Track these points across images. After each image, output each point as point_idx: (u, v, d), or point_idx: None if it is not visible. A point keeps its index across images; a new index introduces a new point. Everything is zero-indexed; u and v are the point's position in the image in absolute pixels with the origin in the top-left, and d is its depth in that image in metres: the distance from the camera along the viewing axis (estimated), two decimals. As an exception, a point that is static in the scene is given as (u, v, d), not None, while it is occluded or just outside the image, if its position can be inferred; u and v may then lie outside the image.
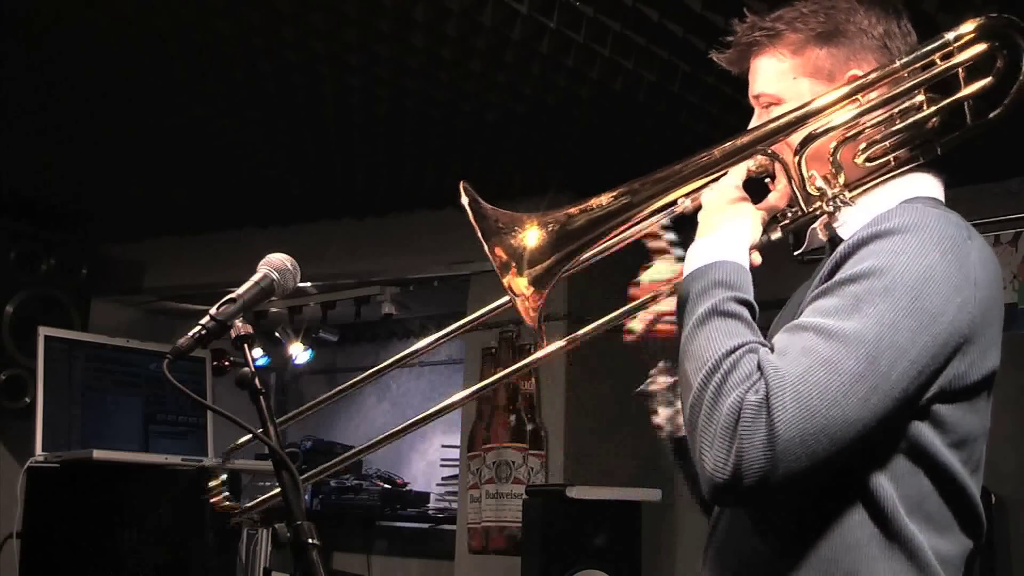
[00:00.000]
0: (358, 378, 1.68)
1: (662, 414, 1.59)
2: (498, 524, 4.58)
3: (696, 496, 1.56)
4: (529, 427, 4.61)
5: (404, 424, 1.54)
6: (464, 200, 1.33)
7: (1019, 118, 1.41)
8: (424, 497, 6.21)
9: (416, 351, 1.67)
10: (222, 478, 1.65)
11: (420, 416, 1.52)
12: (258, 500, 1.58)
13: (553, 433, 4.60)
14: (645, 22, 3.05)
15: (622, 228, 1.40)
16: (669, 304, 1.47)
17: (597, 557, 3.75)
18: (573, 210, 1.36)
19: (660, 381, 1.57)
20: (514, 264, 1.33)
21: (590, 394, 4.67)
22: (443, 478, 6.20)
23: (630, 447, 4.73)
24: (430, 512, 6.05)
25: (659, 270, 1.50)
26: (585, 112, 3.70)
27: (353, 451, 1.67)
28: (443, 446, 6.07)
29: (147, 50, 3.34)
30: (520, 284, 1.32)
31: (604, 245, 1.44)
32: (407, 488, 6.21)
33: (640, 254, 1.59)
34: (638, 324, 1.51)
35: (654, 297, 1.47)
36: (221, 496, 1.62)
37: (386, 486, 6.06)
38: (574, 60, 3.24)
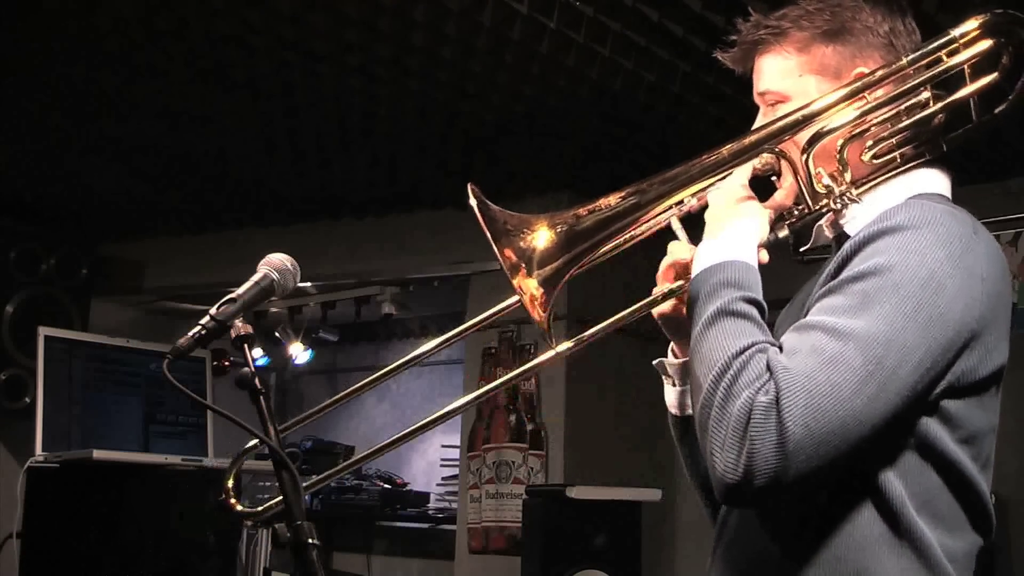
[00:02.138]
0: (368, 379, 1.67)
1: (670, 392, 1.58)
2: (498, 524, 4.58)
3: (696, 480, 1.58)
4: (529, 427, 4.61)
5: (409, 429, 1.54)
6: (472, 202, 1.33)
7: (1018, 117, 1.41)
8: (424, 497, 6.21)
9: (423, 353, 1.66)
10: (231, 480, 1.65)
11: (425, 421, 1.52)
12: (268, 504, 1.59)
13: (553, 433, 4.60)
14: (645, 22, 3.05)
15: (630, 228, 1.40)
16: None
17: (597, 557, 3.74)
18: (581, 211, 1.37)
19: (674, 358, 1.57)
20: (523, 265, 1.33)
21: (590, 394, 4.67)
22: (443, 478, 6.20)
23: (630, 447, 4.74)
24: (430, 512, 6.05)
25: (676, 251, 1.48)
26: (585, 112, 3.70)
27: (357, 457, 1.68)
28: (443, 446, 6.07)
29: (147, 50, 3.34)
30: (530, 285, 1.33)
31: (612, 245, 1.44)
32: (407, 488, 6.21)
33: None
34: (666, 303, 1.50)
35: (665, 295, 1.47)
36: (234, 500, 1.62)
37: (386, 486, 6.06)
38: (574, 60, 3.24)
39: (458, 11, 3.00)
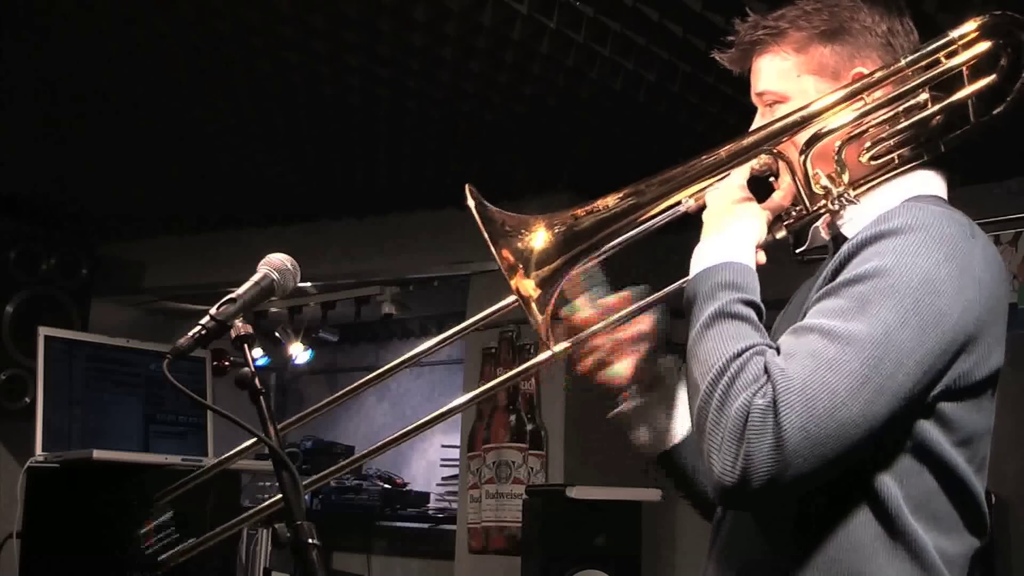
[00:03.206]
0: (365, 379, 1.67)
1: (642, 435, 1.61)
2: (498, 524, 4.58)
3: (695, 504, 1.59)
4: (529, 427, 4.61)
5: (408, 428, 1.53)
6: (471, 203, 1.33)
7: (1018, 117, 1.41)
8: (424, 497, 6.21)
9: (420, 352, 1.66)
10: (166, 517, 1.64)
11: (424, 420, 1.52)
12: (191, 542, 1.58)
13: (553, 433, 4.60)
14: (645, 22, 3.04)
15: (628, 229, 1.40)
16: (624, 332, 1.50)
17: (597, 557, 3.75)
18: (579, 212, 1.37)
19: (630, 403, 1.60)
20: (521, 266, 1.33)
21: (590, 393, 4.66)
22: (443, 478, 6.20)
23: (630, 447, 4.73)
24: (430, 512, 6.05)
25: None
26: (585, 112, 3.70)
27: (356, 456, 1.68)
28: (443, 446, 6.07)
29: (147, 50, 3.34)
30: (527, 286, 1.33)
31: (609, 246, 1.44)
32: (407, 488, 6.21)
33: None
34: (592, 358, 1.55)
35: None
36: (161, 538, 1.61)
37: (386, 486, 6.05)
38: (574, 60, 3.24)
39: (458, 11, 3.00)
